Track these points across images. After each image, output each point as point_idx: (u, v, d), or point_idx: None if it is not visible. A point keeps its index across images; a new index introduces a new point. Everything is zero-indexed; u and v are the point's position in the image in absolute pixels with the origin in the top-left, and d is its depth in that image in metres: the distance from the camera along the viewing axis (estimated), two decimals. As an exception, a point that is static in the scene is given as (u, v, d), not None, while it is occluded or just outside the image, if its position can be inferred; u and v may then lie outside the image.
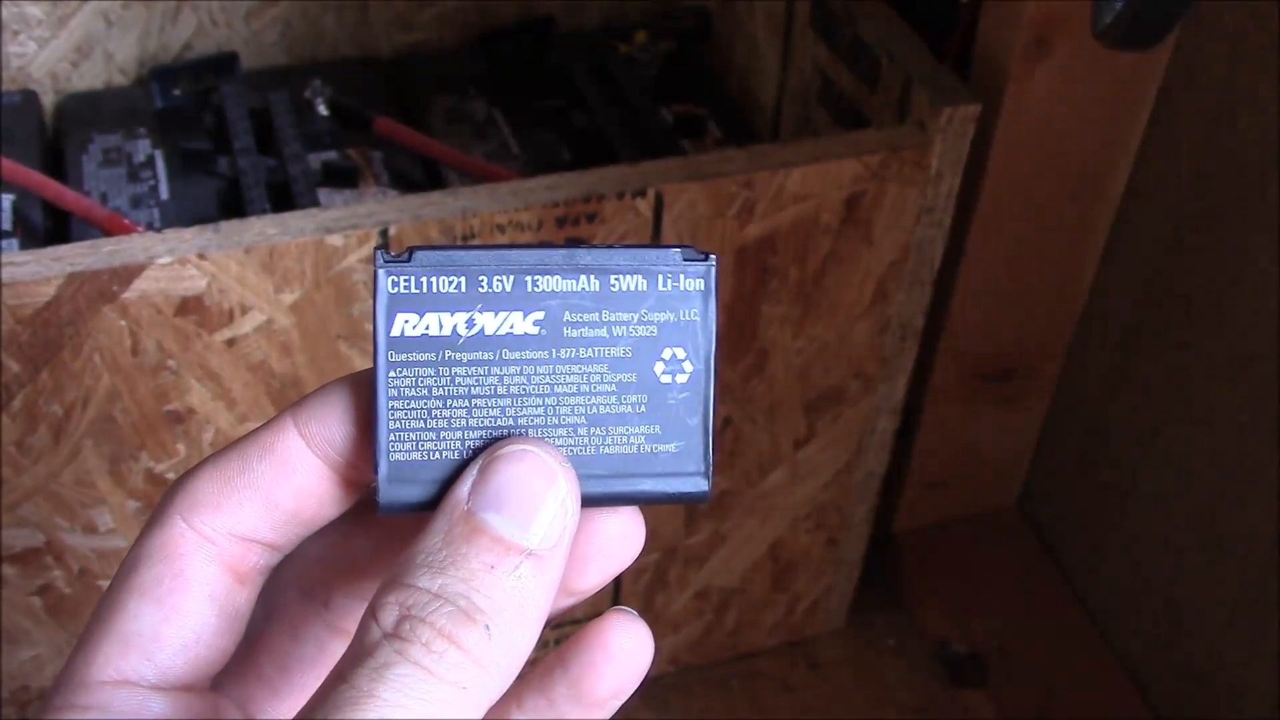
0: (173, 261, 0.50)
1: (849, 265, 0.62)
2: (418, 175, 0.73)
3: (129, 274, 0.50)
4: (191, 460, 0.58)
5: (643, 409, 0.26)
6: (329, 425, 0.26)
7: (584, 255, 0.26)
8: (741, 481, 0.71)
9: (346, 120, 0.76)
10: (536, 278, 0.25)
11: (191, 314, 0.52)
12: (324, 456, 0.26)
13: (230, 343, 0.54)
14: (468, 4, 0.83)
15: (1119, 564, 0.80)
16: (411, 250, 0.25)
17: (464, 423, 0.25)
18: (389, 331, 0.25)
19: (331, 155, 0.73)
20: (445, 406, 0.25)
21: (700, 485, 0.26)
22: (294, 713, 0.23)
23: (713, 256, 0.26)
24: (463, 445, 0.25)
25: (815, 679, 0.83)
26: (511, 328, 0.25)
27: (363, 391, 0.26)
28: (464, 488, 0.24)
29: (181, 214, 0.69)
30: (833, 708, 0.81)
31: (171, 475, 0.58)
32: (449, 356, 0.25)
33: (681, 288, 0.26)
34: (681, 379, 0.26)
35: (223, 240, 0.51)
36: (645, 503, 0.26)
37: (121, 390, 0.54)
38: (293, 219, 0.53)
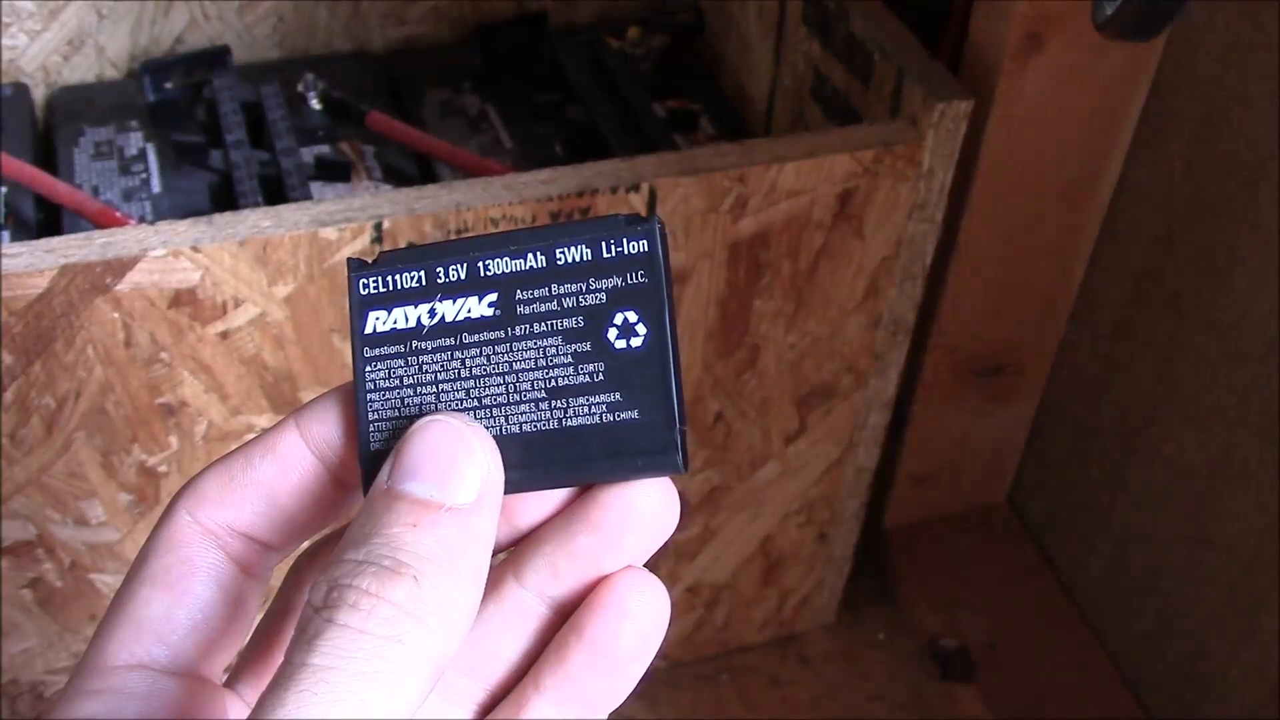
0: (166, 254, 0.50)
1: (841, 260, 0.62)
2: (410, 169, 0.73)
3: (122, 266, 0.50)
4: (184, 454, 0.58)
5: (600, 377, 0.26)
6: (327, 426, 0.26)
7: (532, 234, 0.26)
8: (732, 476, 0.71)
9: (339, 114, 0.75)
10: (487, 261, 0.26)
11: (185, 306, 0.52)
12: (322, 457, 0.26)
13: (223, 335, 0.54)
14: (460, -2, 0.83)
15: (1108, 559, 0.81)
16: (376, 257, 0.27)
17: (433, 408, 0.26)
18: (362, 330, 0.26)
19: (324, 149, 0.73)
20: (416, 394, 0.26)
21: (672, 458, 0.25)
22: None
23: (656, 218, 0.26)
24: None
25: (805, 674, 0.83)
26: (469, 312, 0.26)
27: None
28: (384, 472, 0.24)
29: (173, 207, 0.69)
30: (823, 702, 0.82)
31: (164, 468, 0.58)
32: (415, 346, 0.26)
33: (626, 251, 0.26)
34: (636, 342, 0.26)
35: (216, 233, 0.51)
36: (617, 479, 0.26)
37: (114, 383, 0.54)
38: (287, 212, 0.52)
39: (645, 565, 0.28)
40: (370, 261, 0.27)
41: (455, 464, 0.24)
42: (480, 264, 0.26)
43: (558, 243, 0.26)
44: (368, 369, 0.26)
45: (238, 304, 0.53)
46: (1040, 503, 0.87)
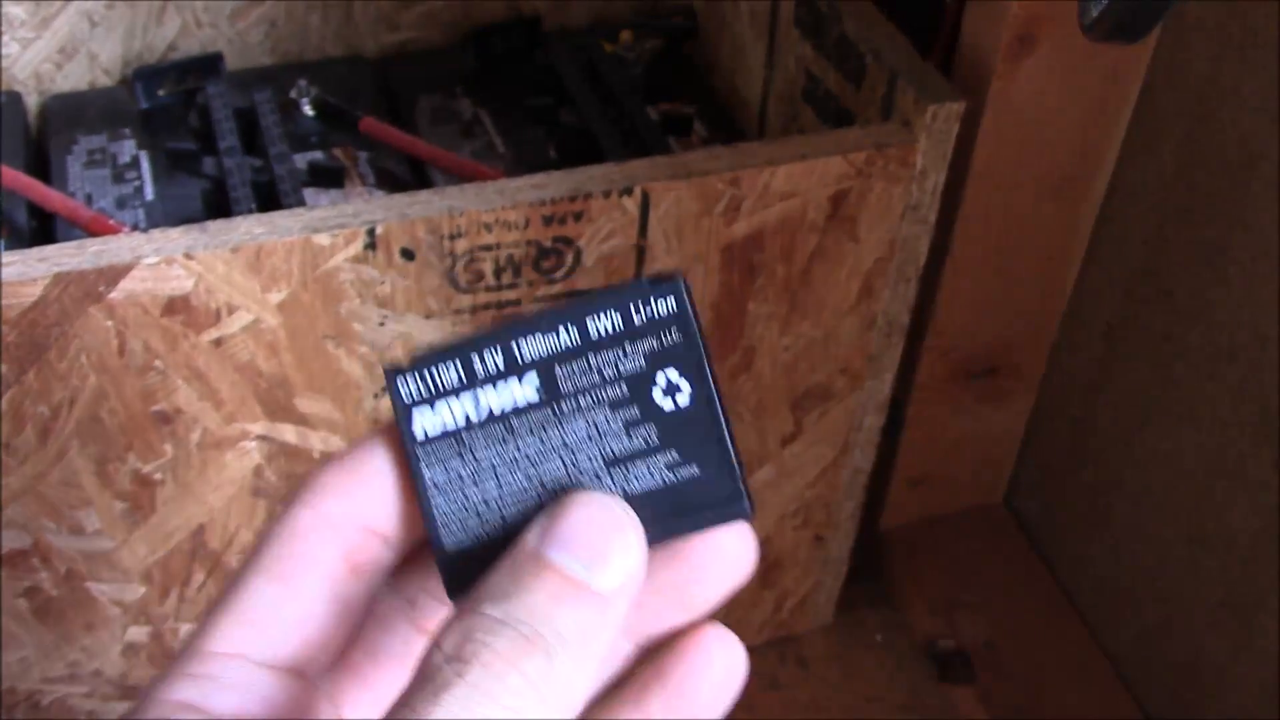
0: (159, 261, 0.50)
1: (835, 262, 0.63)
2: (404, 175, 0.73)
3: (115, 274, 0.50)
4: (179, 462, 0.58)
5: (654, 440, 0.26)
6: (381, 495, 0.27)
7: (558, 311, 0.26)
8: (729, 479, 0.71)
9: (332, 120, 0.75)
10: (521, 343, 0.26)
11: (178, 314, 0.52)
12: None
13: (217, 343, 0.54)
14: (453, 3, 0.83)
15: (1105, 559, 0.81)
16: (412, 357, 0.27)
17: (496, 495, 0.26)
18: (413, 435, 0.27)
19: (317, 155, 0.73)
20: (476, 485, 0.26)
21: (739, 506, 0.26)
22: (381, 705, 0.23)
23: (679, 274, 0.26)
24: (500, 514, 0.26)
25: (803, 676, 0.83)
26: (514, 397, 0.26)
27: None
28: (532, 534, 0.25)
29: (167, 215, 0.69)
30: (821, 704, 0.82)
31: (159, 476, 0.58)
32: (467, 440, 0.26)
33: (656, 313, 0.26)
34: (682, 400, 0.26)
35: (209, 240, 0.51)
36: (689, 535, 0.26)
37: (108, 391, 0.54)
38: (280, 218, 0.52)
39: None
40: (407, 364, 0.27)
41: (609, 547, 0.24)
42: (515, 346, 0.26)
43: (587, 313, 0.26)
44: (425, 471, 0.26)
45: (231, 311, 0.53)
46: (1037, 503, 0.87)
